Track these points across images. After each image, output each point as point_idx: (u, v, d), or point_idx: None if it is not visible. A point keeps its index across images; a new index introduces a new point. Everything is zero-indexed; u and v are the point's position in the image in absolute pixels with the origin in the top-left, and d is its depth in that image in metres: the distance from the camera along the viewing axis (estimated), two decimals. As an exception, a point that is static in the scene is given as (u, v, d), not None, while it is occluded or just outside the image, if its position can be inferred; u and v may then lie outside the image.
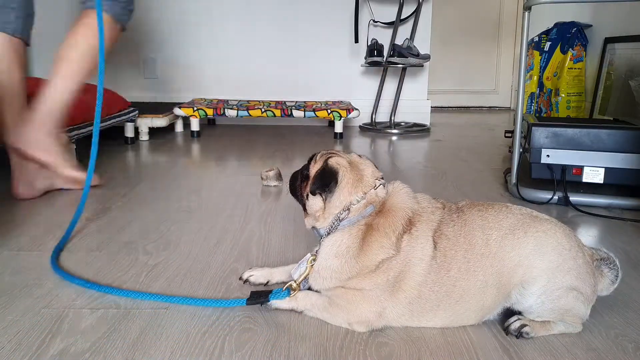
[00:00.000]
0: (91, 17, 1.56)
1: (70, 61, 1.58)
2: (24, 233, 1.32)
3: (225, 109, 2.86)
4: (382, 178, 0.96)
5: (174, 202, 1.60)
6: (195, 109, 2.83)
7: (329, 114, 2.84)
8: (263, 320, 0.91)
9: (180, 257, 1.18)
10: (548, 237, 0.85)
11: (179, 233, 1.33)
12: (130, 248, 1.23)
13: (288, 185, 1.06)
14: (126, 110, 2.50)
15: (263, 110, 2.86)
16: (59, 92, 1.59)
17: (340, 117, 2.84)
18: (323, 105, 3.02)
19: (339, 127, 2.87)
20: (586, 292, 0.85)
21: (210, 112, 2.85)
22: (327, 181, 0.92)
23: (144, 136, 2.69)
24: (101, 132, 2.82)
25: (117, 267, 1.12)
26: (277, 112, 2.86)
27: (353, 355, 0.81)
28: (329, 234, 0.92)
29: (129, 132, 2.59)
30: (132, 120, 2.59)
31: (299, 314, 0.92)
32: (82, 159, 2.21)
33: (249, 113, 2.86)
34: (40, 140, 1.53)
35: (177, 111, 2.83)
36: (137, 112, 2.59)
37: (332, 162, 0.93)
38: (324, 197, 0.93)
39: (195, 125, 2.86)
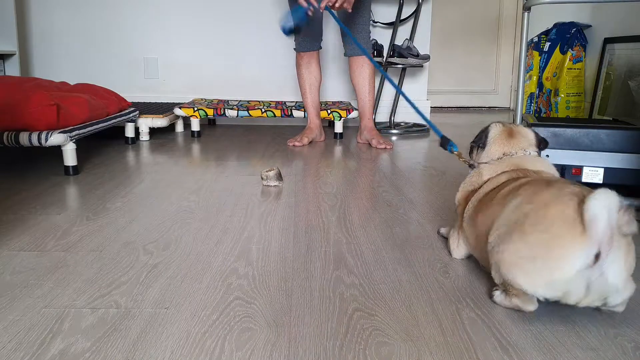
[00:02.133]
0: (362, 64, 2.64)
1: (370, 86, 2.67)
2: (24, 233, 1.32)
3: (226, 109, 2.86)
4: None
5: (174, 202, 1.60)
6: (195, 109, 2.84)
7: (328, 114, 2.84)
8: (263, 320, 0.91)
9: (180, 257, 1.18)
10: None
11: (179, 233, 1.34)
12: (130, 248, 1.23)
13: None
14: (127, 111, 2.50)
15: (263, 110, 2.86)
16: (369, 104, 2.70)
17: (340, 117, 2.84)
18: (323, 105, 3.02)
19: (338, 127, 2.87)
20: None
21: (210, 112, 2.85)
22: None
23: (145, 136, 2.69)
24: (101, 132, 2.83)
25: (117, 267, 1.12)
26: (277, 113, 2.87)
27: (353, 355, 0.81)
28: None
29: (130, 132, 2.59)
30: (133, 121, 2.59)
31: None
32: (82, 159, 2.22)
33: (249, 113, 2.86)
34: (369, 135, 2.70)
35: (178, 111, 2.84)
36: (137, 112, 2.60)
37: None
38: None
39: (195, 126, 2.86)
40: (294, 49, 2.64)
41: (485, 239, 0.99)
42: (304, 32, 2.54)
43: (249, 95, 3.42)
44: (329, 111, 2.84)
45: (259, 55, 3.38)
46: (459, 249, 1.17)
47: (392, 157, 2.38)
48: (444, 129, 3.32)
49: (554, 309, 0.96)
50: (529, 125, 1.69)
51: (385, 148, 2.56)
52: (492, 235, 0.95)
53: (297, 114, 2.87)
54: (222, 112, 2.86)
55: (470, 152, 1.23)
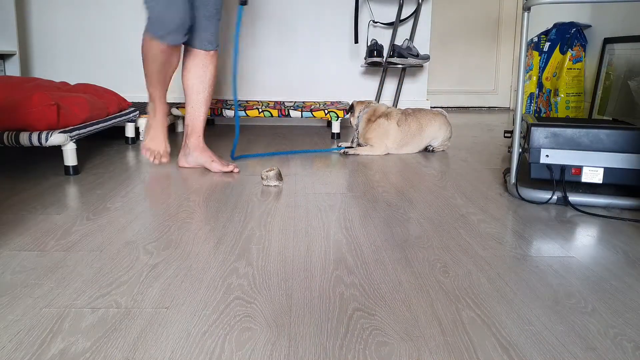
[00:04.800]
0: (206, 58, 2.02)
1: (203, 93, 2.05)
2: (24, 232, 1.32)
3: (223, 109, 2.86)
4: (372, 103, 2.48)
5: (174, 202, 1.60)
6: (195, 109, 2.83)
7: (326, 114, 2.84)
8: (263, 320, 0.91)
9: (180, 257, 1.18)
10: (441, 121, 2.48)
11: (179, 233, 1.34)
12: (130, 248, 1.23)
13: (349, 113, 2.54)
14: (127, 111, 2.50)
15: (261, 110, 2.86)
16: (201, 119, 2.09)
17: (338, 117, 2.84)
18: (321, 105, 3.02)
19: (335, 128, 2.87)
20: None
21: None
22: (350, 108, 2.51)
23: (145, 136, 2.69)
24: (102, 132, 2.83)
25: (117, 267, 1.12)
26: (275, 113, 2.87)
27: (353, 355, 0.81)
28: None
29: (130, 132, 2.59)
30: (133, 120, 2.59)
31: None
32: (82, 159, 2.22)
33: (246, 113, 2.86)
34: (202, 158, 2.07)
35: (175, 111, 2.84)
36: (137, 112, 2.60)
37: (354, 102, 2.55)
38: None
39: (194, 126, 2.86)
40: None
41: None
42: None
43: (249, 95, 3.42)
44: (326, 111, 2.84)
45: (259, 56, 3.38)
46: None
47: (391, 157, 2.38)
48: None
49: (554, 309, 0.96)
50: (529, 126, 1.69)
51: (232, 171, 2.02)
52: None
53: (295, 114, 2.87)
54: (219, 112, 2.86)
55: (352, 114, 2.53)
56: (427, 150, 2.52)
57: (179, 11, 1.83)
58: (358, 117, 2.47)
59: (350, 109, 2.52)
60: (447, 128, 2.48)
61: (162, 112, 2.12)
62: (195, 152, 2.07)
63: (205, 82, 2.03)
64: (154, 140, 2.11)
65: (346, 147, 2.47)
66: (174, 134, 2.94)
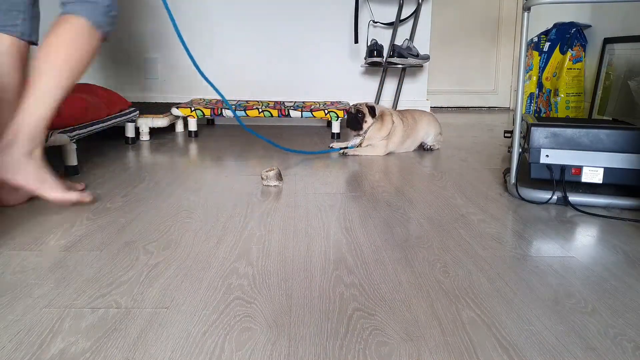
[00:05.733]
0: (70, 23, 1.43)
1: (47, 75, 1.41)
2: (25, 232, 1.32)
3: (223, 109, 2.86)
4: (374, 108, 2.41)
5: (174, 202, 1.60)
6: (192, 109, 2.83)
7: (326, 114, 2.84)
8: (263, 320, 0.91)
9: (180, 257, 1.18)
10: (430, 116, 2.56)
11: (179, 233, 1.34)
12: (130, 248, 1.23)
13: (347, 122, 2.44)
14: (127, 111, 2.50)
15: (260, 110, 2.86)
16: (36, 109, 1.40)
17: (338, 117, 2.84)
18: (321, 105, 3.02)
19: (335, 128, 2.87)
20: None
21: (207, 112, 2.85)
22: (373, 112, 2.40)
23: (145, 136, 2.69)
24: (102, 132, 2.83)
25: (117, 267, 1.12)
26: (275, 113, 2.86)
27: (353, 355, 0.81)
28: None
29: (130, 132, 2.59)
30: (133, 121, 2.59)
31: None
32: (82, 159, 2.22)
33: (246, 113, 2.86)
34: (18, 165, 1.38)
35: (175, 111, 2.83)
36: (137, 112, 2.60)
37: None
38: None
39: (192, 126, 2.86)
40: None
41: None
42: None
43: (250, 95, 3.42)
44: (326, 111, 2.84)
45: (259, 56, 3.38)
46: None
47: (391, 157, 2.38)
48: (443, 129, 3.32)
49: (554, 309, 0.96)
50: (529, 126, 1.70)
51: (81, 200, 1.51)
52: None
53: (295, 114, 2.86)
54: (219, 112, 2.86)
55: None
56: (423, 148, 2.54)
57: None
58: (376, 119, 2.38)
59: (372, 111, 2.36)
60: (435, 123, 2.55)
61: None
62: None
63: None
64: None
65: (342, 148, 2.45)
66: (173, 133, 2.94)
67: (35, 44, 1.60)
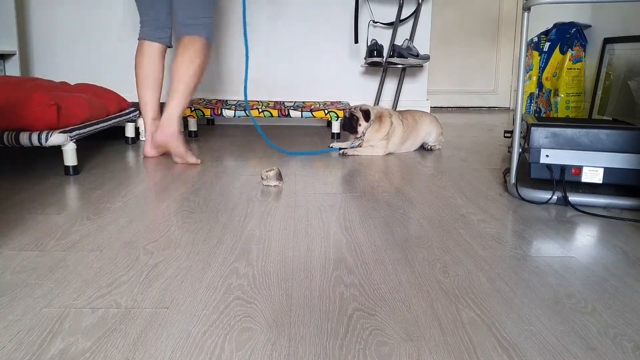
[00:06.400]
0: (194, 42, 2.09)
1: (185, 82, 2.10)
2: (24, 232, 1.32)
3: (223, 109, 2.86)
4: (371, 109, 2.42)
5: (174, 202, 1.60)
6: (192, 109, 2.84)
7: (326, 114, 2.84)
8: (263, 320, 0.91)
9: (180, 257, 1.18)
10: (431, 117, 2.59)
11: (179, 233, 1.34)
12: (130, 248, 1.23)
13: (343, 125, 2.46)
14: (127, 111, 2.50)
15: (261, 110, 2.86)
16: (182, 103, 2.12)
17: (338, 117, 2.84)
18: (321, 105, 3.02)
19: (335, 128, 2.87)
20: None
21: (207, 112, 2.85)
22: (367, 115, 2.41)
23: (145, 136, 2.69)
24: (102, 132, 2.83)
25: (117, 267, 1.12)
26: (275, 113, 2.86)
27: (353, 355, 0.81)
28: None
29: (130, 132, 2.59)
30: (133, 121, 2.59)
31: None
32: (82, 159, 2.22)
33: (246, 113, 2.86)
34: (175, 137, 2.13)
35: (177, 111, 2.83)
36: (137, 112, 2.60)
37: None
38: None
39: (192, 126, 2.86)
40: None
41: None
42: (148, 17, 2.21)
43: (249, 95, 3.42)
44: (326, 111, 2.84)
45: (259, 56, 3.38)
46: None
47: (391, 157, 2.38)
48: (443, 129, 3.32)
49: (554, 309, 0.96)
50: (529, 126, 1.70)
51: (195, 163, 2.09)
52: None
53: (295, 114, 2.87)
54: (219, 112, 2.86)
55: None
56: (424, 148, 2.54)
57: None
58: (372, 121, 2.39)
59: (366, 115, 2.37)
60: (437, 123, 2.56)
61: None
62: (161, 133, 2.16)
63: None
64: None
65: (342, 148, 2.45)
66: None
67: (170, 46, 2.28)
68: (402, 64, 3.13)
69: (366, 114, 2.38)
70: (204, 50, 2.10)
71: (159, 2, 2.18)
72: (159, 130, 2.13)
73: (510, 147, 2.12)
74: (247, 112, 2.50)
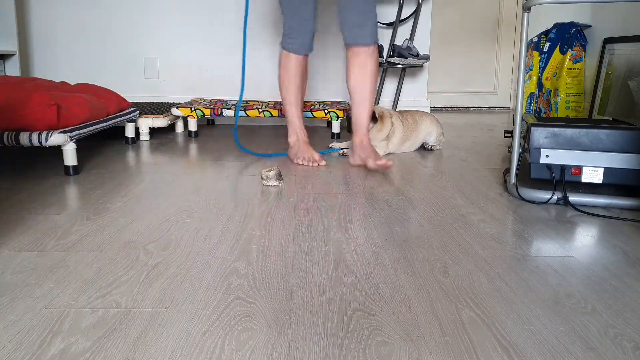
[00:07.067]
0: (367, 53, 2.08)
1: (370, 90, 2.12)
2: (24, 232, 1.32)
3: (223, 109, 2.86)
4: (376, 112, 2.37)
5: (174, 202, 1.60)
6: (192, 109, 2.84)
7: (326, 114, 2.84)
8: (263, 320, 0.91)
9: (180, 257, 1.18)
10: (432, 117, 2.57)
11: (179, 233, 1.34)
12: (130, 248, 1.23)
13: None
14: (127, 111, 2.50)
15: (260, 110, 2.86)
16: (367, 113, 2.15)
17: (337, 117, 2.84)
18: (321, 105, 3.02)
19: (335, 128, 2.87)
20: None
21: (207, 112, 2.85)
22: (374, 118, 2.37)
23: (145, 136, 2.69)
24: (102, 132, 2.83)
25: (117, 267, 1.12)
26: (275, 113, 2.86)
27: (353, 355, 0.81)
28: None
29: (130, 132, 2.59)
30: (133, 121, 2.59)
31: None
32: (82, 159, 2.22)
33: (246, 113, 2.86)
34: (370, 149, 2.11)
35: (175, 111, 2.83)
36: (137, 112, 2.60)
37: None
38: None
39: (192, 126, 2.86)
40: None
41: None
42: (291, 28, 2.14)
43: (250, 96, 3.42)
44: (326, 111, 2.84)
45: (260, 56, 3.38)
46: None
47: (391, 157, 2.38)
48: (444, 129, 3.32)
49: (554, 309, 0.96)
50: (529, 126, 1.70)
51: (386, 165, 2.01)
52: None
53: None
54: (219, 112, 2.86)
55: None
56: (425, 148, 2.54)
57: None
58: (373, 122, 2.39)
59: (374, 118, 2.36)
60: (437, 124, 2.56)
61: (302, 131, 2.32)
62: (359, 149, 2.13)
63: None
64: (304, 152, 2.23)
65: (342, 148, 2.44)
66: (173, 133, 2.94)
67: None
68: (402, 64, 3.13)
69: (374, 117, 2.38)
70: (375, 57, 2.09)
71: (305, 4, 2.07)
72: (364, 145, 2.13)
73: (510, 147, 2.12)
74: (235, 111, 2.46)
